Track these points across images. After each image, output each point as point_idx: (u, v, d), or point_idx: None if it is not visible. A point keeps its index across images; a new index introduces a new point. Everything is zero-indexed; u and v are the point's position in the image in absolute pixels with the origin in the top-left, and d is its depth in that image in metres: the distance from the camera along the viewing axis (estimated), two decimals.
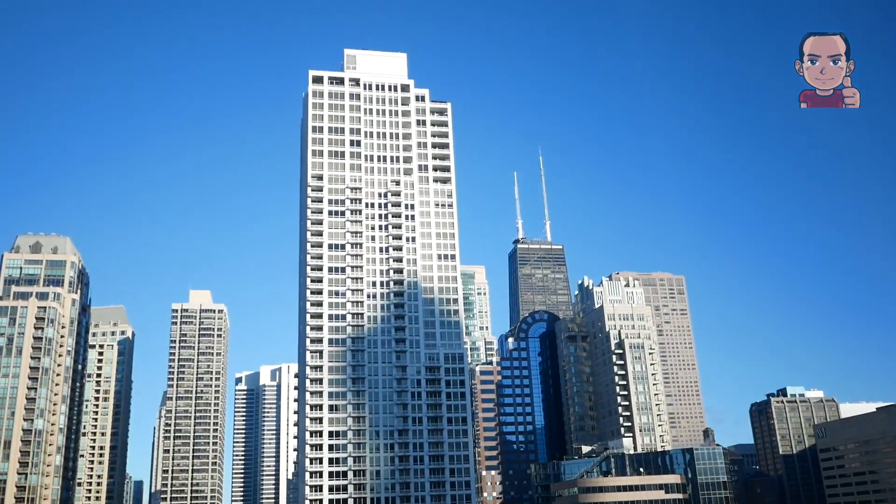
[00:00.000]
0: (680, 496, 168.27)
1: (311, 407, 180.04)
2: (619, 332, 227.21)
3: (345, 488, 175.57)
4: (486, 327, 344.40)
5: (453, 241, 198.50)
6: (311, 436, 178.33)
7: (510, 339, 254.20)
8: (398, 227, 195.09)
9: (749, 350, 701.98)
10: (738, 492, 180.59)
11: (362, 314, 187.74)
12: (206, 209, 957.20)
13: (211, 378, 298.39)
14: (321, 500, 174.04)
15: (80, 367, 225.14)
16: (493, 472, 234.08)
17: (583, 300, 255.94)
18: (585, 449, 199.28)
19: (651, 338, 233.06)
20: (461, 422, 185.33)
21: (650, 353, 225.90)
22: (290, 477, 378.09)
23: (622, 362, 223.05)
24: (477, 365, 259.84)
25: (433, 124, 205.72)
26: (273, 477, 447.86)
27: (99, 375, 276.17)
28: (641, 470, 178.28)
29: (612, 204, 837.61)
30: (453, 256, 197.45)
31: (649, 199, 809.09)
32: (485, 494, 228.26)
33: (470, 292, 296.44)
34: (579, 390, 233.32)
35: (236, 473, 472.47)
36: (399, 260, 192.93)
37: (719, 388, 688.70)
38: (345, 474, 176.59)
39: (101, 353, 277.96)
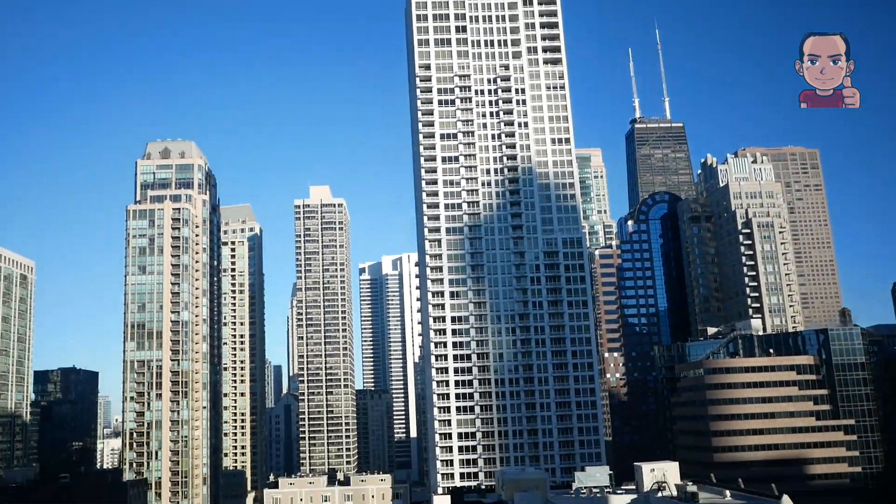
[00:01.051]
0: (813, 377, 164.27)
1: (433, 294, 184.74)
2: (746, 210, 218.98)
3: (469, 370, 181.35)
4: (605, 211, 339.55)
5: (567, 124, 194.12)
6: (434, 321, 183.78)
7: (630, 222, 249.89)
8: (509, 112, 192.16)
9: (892, 226, 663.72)
10: (878, 373, 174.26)
11: (478, 202, 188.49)
12: (321, 106, 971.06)
13: (336, 269, 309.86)
14: (447, 382, 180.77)
15: (215, 262, 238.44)
16: (615, 355, 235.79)
17: (706, 179, 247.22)
18: (711, 330, 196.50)
19: (781, 215, 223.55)
20: (582, 305, 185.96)
21: (780, 232, 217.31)
22: (416, 360, 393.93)
23: (749, 242, 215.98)
24: (596, 249, 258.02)
25: (540, 3, 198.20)
26: (400, 360, 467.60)
27: (233, 270, 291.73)
28: (771, 351, 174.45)
29: (734, 77, 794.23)
30: (567, 140, 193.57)
31: (775, 69, 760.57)
32: (608, 376, 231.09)
33: (586, 176, 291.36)
34: (703, 272, 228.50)
35: (366, 358, 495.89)
36: (512, 146, 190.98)
37: (858, 268, 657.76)
38: (468, 357, 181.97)
39: (233, 250, 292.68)
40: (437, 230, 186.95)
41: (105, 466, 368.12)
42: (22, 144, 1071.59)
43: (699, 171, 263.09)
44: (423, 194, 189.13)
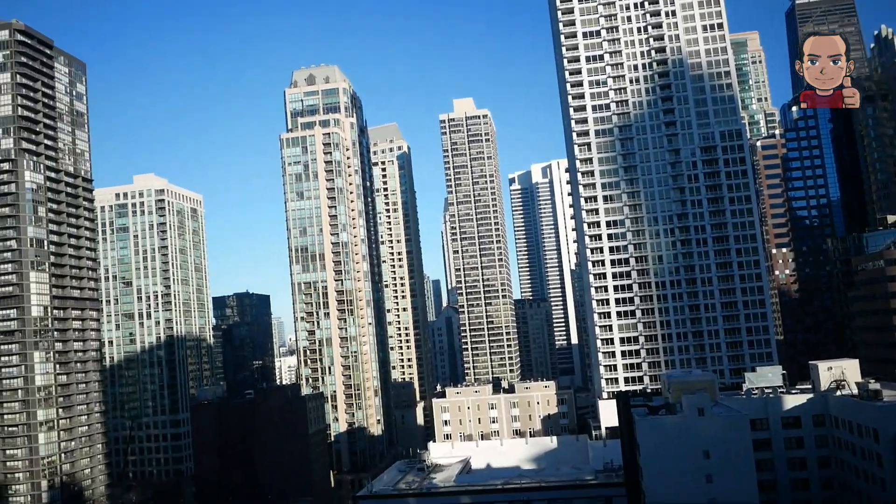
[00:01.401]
0: None
1: (586, 199, 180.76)
2: None
3: (628, 274, 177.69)
4: (765, 98, 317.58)
5: (718, 7, 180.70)
6: (589, 227, 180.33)
7: (794, 108, 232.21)
8: (655, 2, 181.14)
9: None
10: None
11: (626, 101, 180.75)
12: (458, 19, 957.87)
13: (485, 181, 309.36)
14: (605, 287, 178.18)
15: (367, 183, 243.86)
16: (783, 250, 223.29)
17: (880, 54, 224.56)
18: (892, 219, 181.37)
19: None
20: (744, 200, 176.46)
21: None
22: (572, 267, 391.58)
23: None
24: (757, 140, 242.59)
25: None
26: (556, 269, 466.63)
27: (385, 189, 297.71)
28: None
29: None
30: (720, 25, 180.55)
31: None
32: (776, 273, 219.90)
33: (743, 62, 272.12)
34: (881, 156, 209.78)
35: (521, 267, 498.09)
36: (660, 38, 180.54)
37: None
38: (626, 261, 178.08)
39: (383, 170, 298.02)
40: (586, 133, 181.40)
41: (283, 382, 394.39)
42: (183, 85, 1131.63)
43: (872, 46, 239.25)
44: (569, 97, 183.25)
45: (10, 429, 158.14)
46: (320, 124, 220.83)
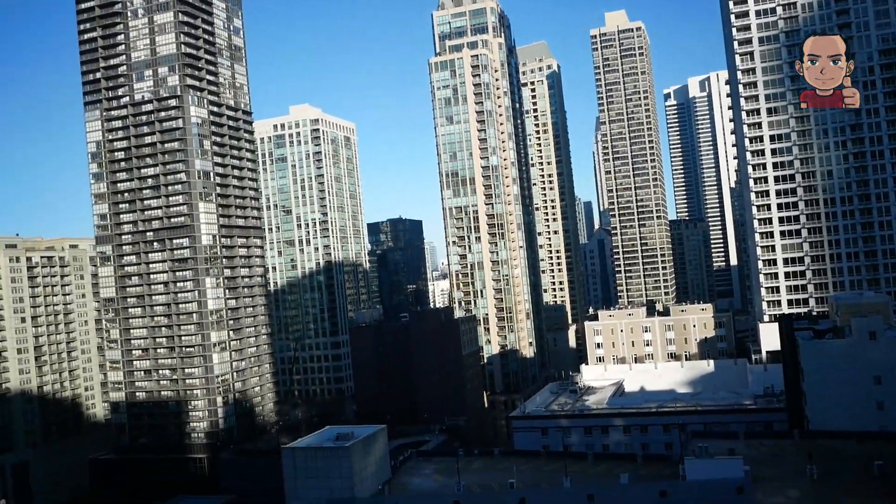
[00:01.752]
0: None
1: (747, 112, 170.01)
2: None
3: (793, 191, 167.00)
4: None
5: None
6: (751, 142, 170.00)
7: None
8: None
9: None
10: None
11: (794, 3, 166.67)
12: None
13: (639, 98, 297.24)
14: (768, 206, 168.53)
15: (517, 105, 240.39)
16: None
17: None
18: None
19: None
20: None
21: None
22: (732, 185, 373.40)
23: None
24: None
25: None
26: (715, 187, 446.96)
27: (535, 111, 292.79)
28: None
29: None
30: None
31: None
32: None
33: None
34: None
35: (677, 186, 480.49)
36: None
37: None
38: (791, 177, 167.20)
39: (533, 90, 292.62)
40: (749, 42, 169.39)
41: (436, 306, 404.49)
42: (333, 15, 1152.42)
43: None
44: (730, 3, 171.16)
45: (187, 349, 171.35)
46: (468, 46, 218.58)
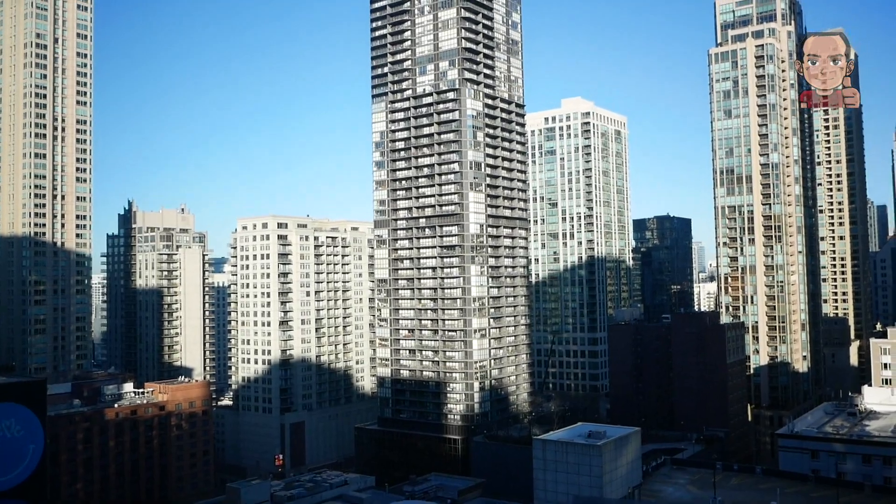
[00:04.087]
0: None
1: None
2: None
3: None
4: None
5: None
6: None
7: None
8: None
9: None
10: None
11: None
12: None
13: None
14: None
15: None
16: None
17: None
18: None
19: None
20: None
21: None
22: None
23: None
24: None
25: None
26: None
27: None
28: None
29: None
30: None
31: None
32: None
33: None
34: None
35: None
36: None
37: None
38: None
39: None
40: None
41: (701, 309, 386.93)
42: (610, 5, 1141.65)
43: None
44: None
45: (449, 332, 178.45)
46: (753, 35, 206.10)
